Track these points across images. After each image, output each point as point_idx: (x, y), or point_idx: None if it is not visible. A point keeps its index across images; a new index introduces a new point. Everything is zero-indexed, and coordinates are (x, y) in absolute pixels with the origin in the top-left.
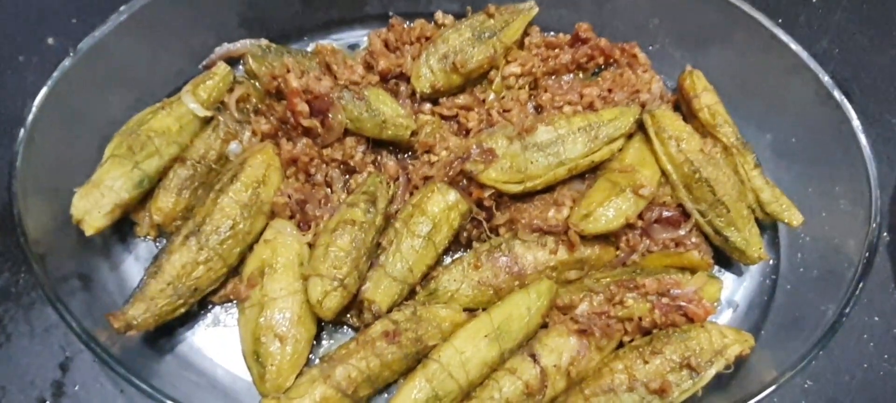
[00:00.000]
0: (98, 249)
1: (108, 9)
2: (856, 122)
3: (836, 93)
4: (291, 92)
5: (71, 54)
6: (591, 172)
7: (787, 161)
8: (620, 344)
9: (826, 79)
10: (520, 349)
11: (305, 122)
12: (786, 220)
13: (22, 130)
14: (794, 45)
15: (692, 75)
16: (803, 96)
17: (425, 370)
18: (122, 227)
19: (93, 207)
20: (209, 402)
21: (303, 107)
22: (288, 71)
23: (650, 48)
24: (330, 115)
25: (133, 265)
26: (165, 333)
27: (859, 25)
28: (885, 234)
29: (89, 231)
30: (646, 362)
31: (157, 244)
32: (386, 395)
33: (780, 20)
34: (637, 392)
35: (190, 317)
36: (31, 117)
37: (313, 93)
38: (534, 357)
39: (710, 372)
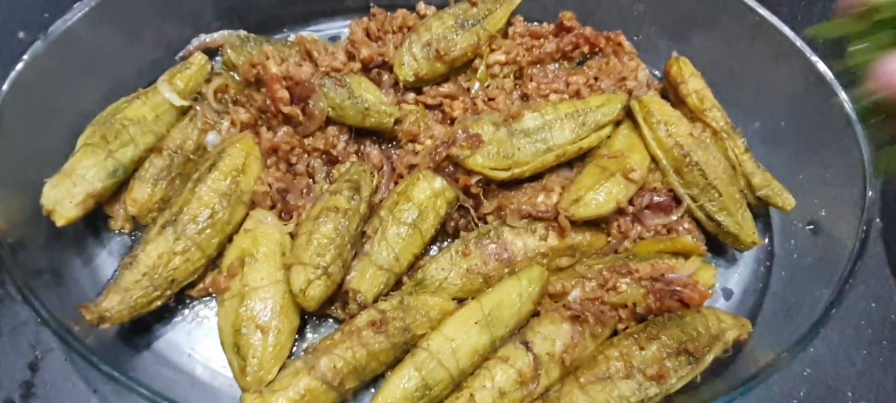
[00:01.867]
0: (70, 243)
1: (78, 4)
2: (848, 105)
3: (829, 75)
4: (271, 78)
5: (41, 38)
6: (579, 160)
7: (776, 147)
8: (615, 332)
9: (817, 61)
10: (511, 337)
11: (286, 110)
12: (779, 204)
13: None
14: (784, 28)
15: (679, 62)
16: (793, 81)
17: (414, 359)
18: (96, 221)
19: (64, 197)
20: (188, 398)
21: (283, 93)
22: (267, 58)
23: (635, 38)
24: (311, 103)
25: (107, 260)
26: (141, 328)
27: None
28: (877, 220)
29: (60, 221)
30: (642, 348)
31: (132, 238)
32: (372, 389)
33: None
34: (634, 379)
35: (167, 312)
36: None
37: (294, 80)
38: (526, 344)
39: (709, 358)
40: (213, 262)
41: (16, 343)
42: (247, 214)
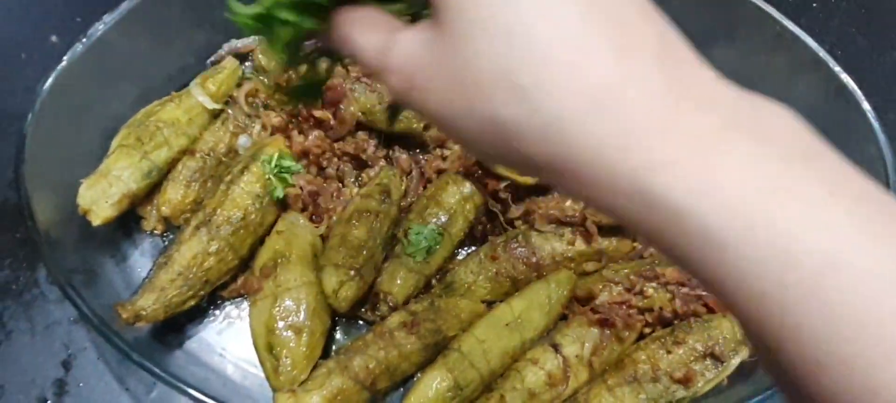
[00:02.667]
0: (103, 243)
1: (111, 9)
2: (871, 115)
3: (851, 85)
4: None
5: (81, 41)
6: None
7: None
8: (641, 336)
9: (840, 72)
10: (541, 339)
11: (317, 113)
12: None
13: (29, 114)
14: (806, 38)
15: None
16: (814, 91)
17: (446, 359)
18: (128, 222)
19: (100, 197)
20: (220, 397)
21: None
22: None
23: None
24: (342, 107)
25: (139, 260)
26: (173, 328)
27: (859, 29)
28: None
29: (96, 221)
30: (669, 352)
31: (164, 239)
32: (401, 390)
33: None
34: (661, 382)
35: (199, 313)
36: (38, 103)
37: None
38: (555, 347)
39: (735, 361)
40: (245, 264)
41: (49, 342)
42: (278, 216)
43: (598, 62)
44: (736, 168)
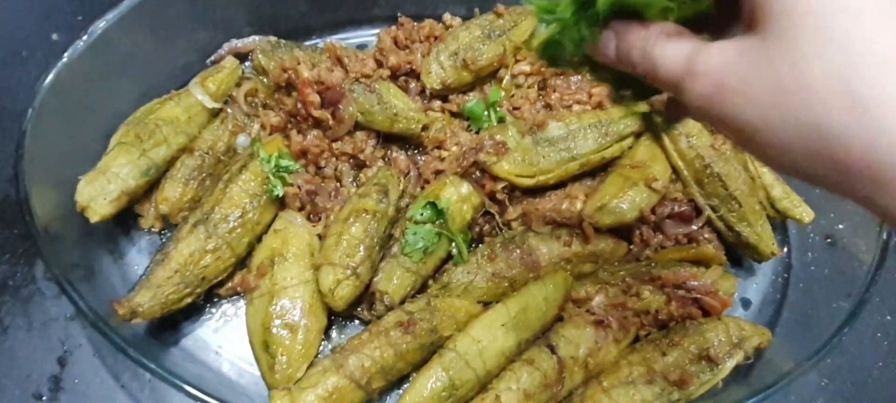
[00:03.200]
0: (101, 240)
1: (112, 8)
2: None
3: None
4: (303, 82)
5: (83, 39)
6: (601, 169)
7: None
8: (637, 338)
9: None
10: (536, 340)
11: (316, 113)
12: (797, 217)
13: (30, 110)
14: None
15: None
16: None
17: (442, 359)
18: (126, 220)
19: (98, 194)
20: (215, 394)
21: (314, 97)
22: (299, 62)
23: None
24: (341, 107)
25: (136, 257)
26: (170, 326)
27: None
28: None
29: (94, 218)
30: (664, 354)
31: (162, 237)
32: (398, 391)
33: None
34: (657, 384)
35: (195, 310)
36: (39, 99)
37: (325, 85)
38: (551, 348)
39: (729, 364)
40: (242, 262)
41: (46, 338)
42: (276, 215)
43: None
44: None
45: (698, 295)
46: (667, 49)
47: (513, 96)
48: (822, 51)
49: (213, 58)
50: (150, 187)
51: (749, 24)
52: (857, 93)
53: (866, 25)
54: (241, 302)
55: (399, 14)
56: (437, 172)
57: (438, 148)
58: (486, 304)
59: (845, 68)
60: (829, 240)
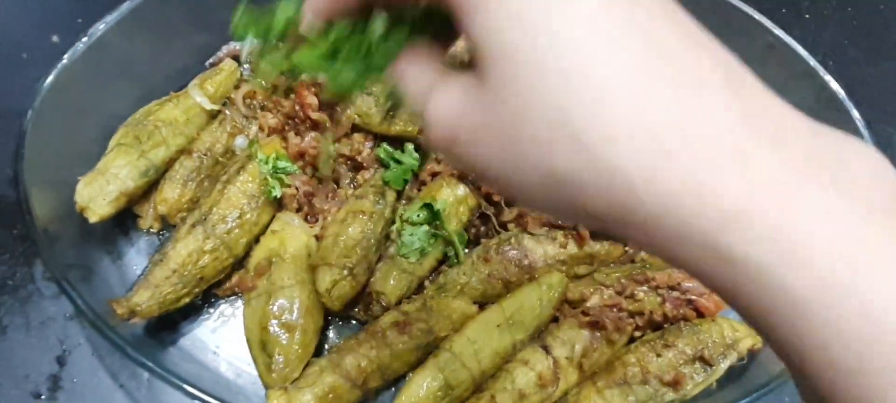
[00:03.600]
0: (99, 241)
1: (112, 10)
2: (860, 123)
3: (842, 94)
4: (300, 84)
5: (83, 40)
6: None
7: None
8: (631, 339)
9: (830, 81)
10: (531, 341)
11: (314, 115)
12: None
13: (29, 111)
14: (798, 48)
15: None
16: (806, 100)
17: (437, 359)
18: (125, 221)
19: (97, 194)
20: (213, 394)
21: (312, 99)
22: None
23: None
24: (338, 109)
25: (134, 258)
26: (167, 326)
27: (852, 39)
28: None
29: (93, 218)
30: (658, 355)
31: (160, 237)
32: (393, 389)
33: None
34: (650, 385)
35: (193, 311)
36: (38, 100)
37: (322, 86)
38: (546, 348)
39: (724, 365)
40: (240, 263)
41: (44, 337)
42: (273, 216)
43: (663, 100)
44: (820, 223)
45: (692, 297)
46: (409, 81)
47: None
48: (542, 90)
49: (211, 60)
50: (149, 188)
51: (471, 56)
52: (581, 134)
53: (579, 55)
54: (239, 303)
55: None
56: (434, 174)
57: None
58: (482, 305)
59: (566, 107)
60: None
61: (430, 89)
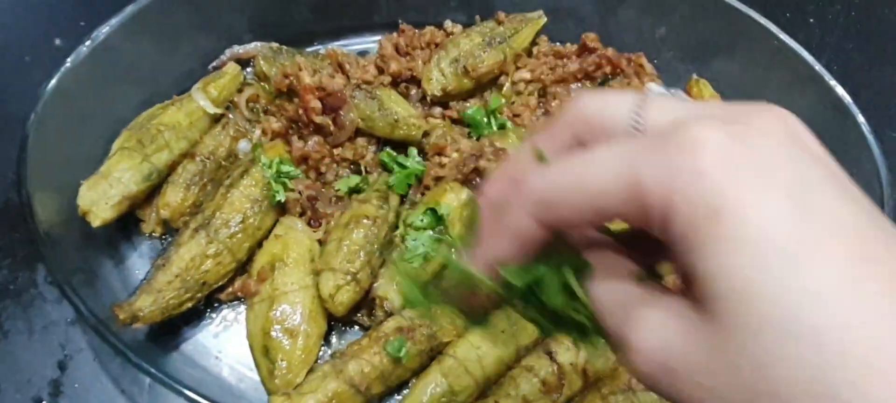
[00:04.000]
0: (102, 245)
1: (115, 13)
2: (866, 128)
3: (847, 99)
4: (304, 88)
5: (86, 44)
6: None
7: None
8: None
9: (835, 85)
10: (535, 347)
11: (317, 119)
12: None
13: (32, 115)
14: (804, 53)
15: (698, 84)
16: (811, 105)
17: (441, 365)
18: (127, 225)
19: (100, 198)
20: (215, 399)
21: (315, 103)
22: (301, 69)
23: (655, 61)
24: (342, 113)
25: (137, 262)
26: (171, 330)
27: (856, 45)
28: None
29: (96, 222)
30: None
31: (163, 242)
32: (397, 395)
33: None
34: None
35: (196, 315)
36: (41, 104)
37: (326, 91)
38: (550, 354)
39: None
40: (243, 267)
41: (46, 342)
42: (276, 221)
43: None
44: None
45: None
46: (603, 292)
47: (513, 103)
48: (790, 348)
49: (214, 64)
50: (152, 192)
51: (689, 290)
52: (837, 399)
53: (835, 315)
54: (242, 307)
55: (400, 21)
56: (438, 178)
57: (439, 154)
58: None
59: (821, 370)
60: None
61: (632, 308)
